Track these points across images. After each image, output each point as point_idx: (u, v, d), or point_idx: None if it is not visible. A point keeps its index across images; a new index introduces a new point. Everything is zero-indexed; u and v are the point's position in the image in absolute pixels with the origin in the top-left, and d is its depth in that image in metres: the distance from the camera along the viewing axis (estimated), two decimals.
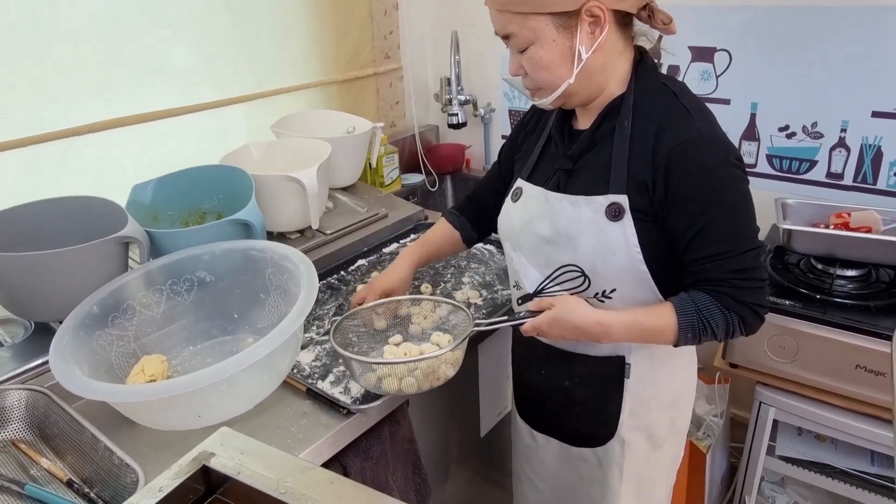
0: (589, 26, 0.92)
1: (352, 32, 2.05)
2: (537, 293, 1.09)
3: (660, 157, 0.93)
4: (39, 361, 1.10)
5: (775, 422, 1.52)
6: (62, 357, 0.95)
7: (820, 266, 1.49)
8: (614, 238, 0.97)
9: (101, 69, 1.48)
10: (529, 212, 1.07)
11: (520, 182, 1.11)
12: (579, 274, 1.02)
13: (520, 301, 1.14)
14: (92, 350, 1.05)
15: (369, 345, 1.19)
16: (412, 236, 1.73)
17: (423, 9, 2.22)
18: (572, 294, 1.04)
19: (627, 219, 0.96)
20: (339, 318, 1.17)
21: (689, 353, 1.16)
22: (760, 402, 1.51)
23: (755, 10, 1.63)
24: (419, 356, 1.05)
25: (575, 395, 1.15)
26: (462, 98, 2.12)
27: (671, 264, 0.99)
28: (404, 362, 1.06)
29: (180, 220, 1.45)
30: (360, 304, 1.20)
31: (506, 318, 1.12)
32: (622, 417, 1.12)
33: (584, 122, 1.05)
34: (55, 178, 1.46)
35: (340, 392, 1.12)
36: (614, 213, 0.96)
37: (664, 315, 0.97)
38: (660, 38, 1.03)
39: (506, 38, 0.98)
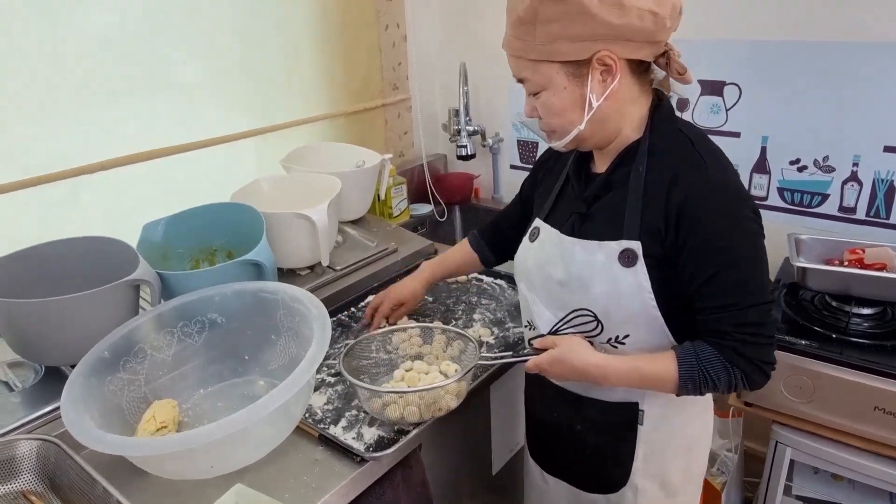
0: (601, 75, 0.92)
1: (361, 64, 2.06)
2: (553, 334, 1.08)
3: (672, 204, 0.93)
4: (50, 408, 1.08)
5: (791, 461, 1.49)
6: (73, 407, 0.94)
7: (835, 303, 1.48)
8: (627, 284, 0.96)
9: (110, 107, 1.49)
10: (545, 254, 1.07)
11: (537, 222, 1.12)
12: (592, 318, 1.02)
13: (531, 341, 1.14)
14: (103, 396, 1.04)
15: (381, 369, 1.23)
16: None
17: (432, 40, 2.23)
18: (586, 338, 1.04)
19: (640, 265, 0.95)
20: (351, 341, 1.23)
21: (706, 399, 1.14)
22: (777, 442, 1.48)
23: (765, 44, 1.63)
24: (418, 387, 1.09)
25: (586, 439, 1.13)
26: (470, 129, 2.12)
27: (685, 309, 0.98)
28: (403, 392, 1.08)
29: (191, 258, 1.45)
30: (375, 311, 1.37)
31: (510, 353, 1.14)
32: (635, 464, 1.10)
33: (600, 165, 1.05)
34: (66, 216, 1.46)
35: (353, 438, 1.11)
36: (627, 259, 0.96)
37: (665, 364, 0.96)
38: (666, 75, 1.02)
39: (520, 81, 0.99)
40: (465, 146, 2.11)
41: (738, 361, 0.93)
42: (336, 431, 1.12)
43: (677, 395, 0.97)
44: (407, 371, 1.21)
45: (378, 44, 2.09)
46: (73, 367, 1.04)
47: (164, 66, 1.57)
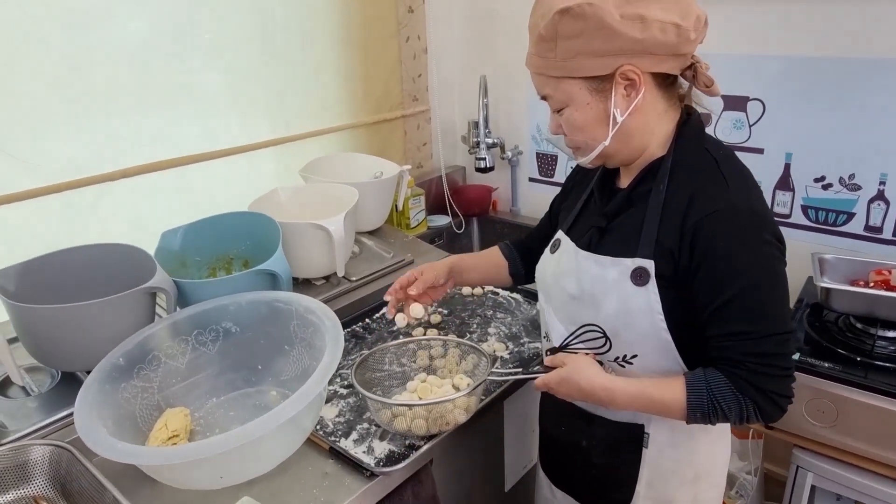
0: (624, 89, 0.90)
1: (381, 75, 2.07)
2: (562, 348, 1.07)
3: (688, 224, 0.90)
4: (64, 413, 1.09)
5: (813, 486, 1.45)
6: (87, 413, 0.95)
7: (860, 325, 1.44)
8: (637, 303, 0.94)
9: (134, 116, 1.51)
10: (561, 266, 1.07)
11: (559, 234, 1.11)
12: (601, 335, 1.00)
13: (548, 353, 1.13)
14: (117, 403, 1.05)
15: (394, 381, 1.24)
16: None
17: (452, 52, 2.24)
18: (595, 354, 1.02)
19: (652, 284, 0.93)
20: (365, 352, 1.24)
21: (719, 428, 1.09)
22: (798, 467, 1.44)
23: (789, 59, 1.61)
24: (425, 400, 1.09)
25: (592, 456, 1.12)
26: (489, 141, 2.12)
27: (697, 334, 0.94)
28: (410, 405, 1.09)
29: (208, 267, 1.46)
30: (404, 285, 1.26)
31: (520, 369, 1.16)
32: (638, 487, 1.08)
33: (625, 181, 1.04)
34: (88, 222, 1.49)
35: (364, 452, 1.10)
36: (639, 277, 0.94)
37: (674, 390, 0.93)
38: (690, 86, 1.01)
39: (543, 98, 0.98)
40: (484, 158, 2.11)
41: (750, 392, 0.89)
42: (347, 445, 1.11)
43: (687, 422, 0.94)
44: (422, 382, 1.21)
45: (399, 55, 2.10)
46: (88, 372, 1.05)
47: (188, 76, 1.59)
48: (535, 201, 2.27)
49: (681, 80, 0.97)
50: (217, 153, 1.68)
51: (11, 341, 1.16)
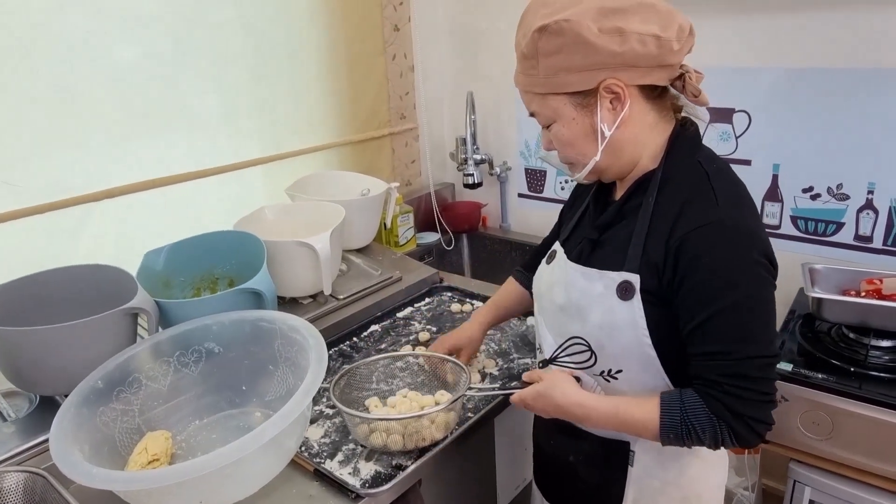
0: (610, 103, 0.90)
1: (368, 93, 2.07)
2: (551, 360, 1.06)
3: (674, 240, 0.88)
4: (41, 439, 1.07)
5: (811, 501, 1.43)
6: (62, 438, 0.92)
7: (853, 335, 1.43)
8: (622, 317, 0.93)
9: (119, 136, 1.50)
10: (553, 277, 1.06)
11: (556, 245, 1.11)
12: (586, 348, 0.99)
13: (540, 365, 1.11)
14: (95, 427, 1.02)
15: (381, 396, 1.23)
16: (427, 300, 1.69)
17: (439, 69, 2.24)
18: (579, 368, 1.01)
19: (637, 299, 0.92)
20: (347, 366, 1.24)
21: (711, 451, 1.04)
22: (795, 481, 1.42)
23: (774, 71, 1.62)
24: (398, 415, 1.10)
25: (579, 471, 1.10)
26: (478, 157, 2.11)
27: (683, 351, 0.92)
28: (383, 419, 1.10)
29: (192, 286, 1.44)
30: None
31: (497, 386, 1.18)
32: None
33: (618, 193, 1.03)
34: (73, 243, 1.46)
35: (350, 473, 1.07)
36: (624, 291, 0.92)
37: (648, 410, 0.91)
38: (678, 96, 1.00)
39: (532, 115, 0.98)
40: (472, 174, 2.10)
41: (724, 416, 0.86)
42: (332, 466, 1.09)
43: (662, 444, 0.92)
44: (402, 397, 1.20)
45: (386, 73, 2.10)
46: (67, 396, 1.02)
47: (176, 97, 1.58)
48: (525, 217, 2.26)
49: (674, 90, 0.96)
50: (204, 172, 1.67)
51: None
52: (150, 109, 1.54)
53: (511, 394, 1.05)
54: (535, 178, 2.19)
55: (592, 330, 0.96)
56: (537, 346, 1.14)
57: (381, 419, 1.09)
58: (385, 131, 2.14)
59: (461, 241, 2.26)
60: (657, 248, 0.90)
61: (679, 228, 0.88)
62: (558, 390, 0.98)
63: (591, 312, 0.96)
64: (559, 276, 1.04)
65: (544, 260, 1.13)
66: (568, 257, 1.04)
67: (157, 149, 1.57)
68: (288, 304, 1.52)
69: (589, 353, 0.98)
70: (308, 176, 1.82)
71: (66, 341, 1.08)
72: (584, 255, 1.01)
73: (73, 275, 1.25)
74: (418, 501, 1.17)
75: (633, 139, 0.94)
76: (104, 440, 1.03)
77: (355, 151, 2.08)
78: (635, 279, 0.91)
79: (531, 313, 1.19)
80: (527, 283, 1.30)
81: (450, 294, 1.73)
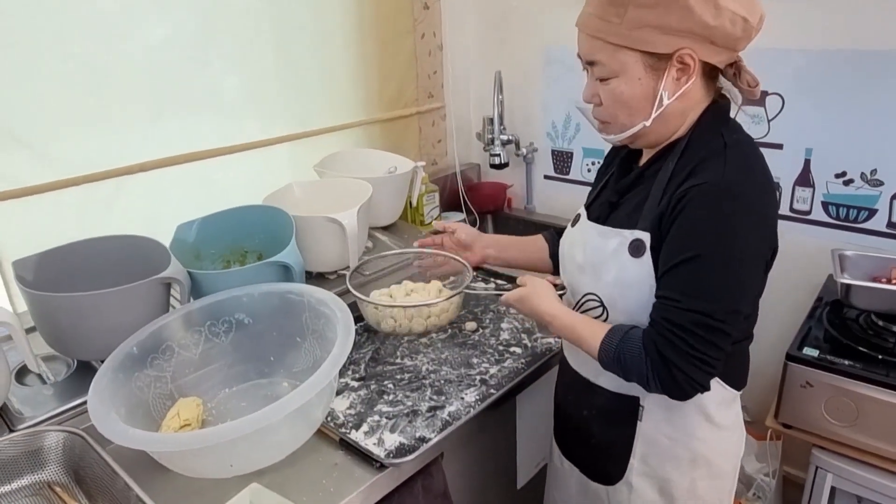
0: (677, 72, 0.90)
1: (396, 72, 2.07)
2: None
3: (676, 196, 0.90)
4: (79, 401, 1.11)
5: (833, 488, 1.42)
6: (100, 401, 0.96)
7: (881, 323, 1.41)
8: (634, 274, 0.95)
9: (152, 113, 1.53)
10: (574, 237, 1.10)
11: (581, 208, 1.13)
12: (599, 304, 1.02)
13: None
14: (130, 392, 1.06)
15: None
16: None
17: (467, 49, 2.23)
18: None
19: (647, 257, 0.94)
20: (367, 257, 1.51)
21: (722, 415, 1.06)
22: (817, 467, 1.42)
23: (808, 53, 1.58)
24: (400, 303, 1.32)
25: (591, 426, 1.13)
26: (504, 138, 2.11)
27: None
28: (391, 306, 1.31)
29: (222, 259, 1.47)
30: (431, 244, 1.43)
31: (493, 285, 1.38)
32: (632, 461, 1.08)
33: (643, 160, 1.05)
34: (107, 215, 1.50)
35: (374, 444, 1.09)
36: (636, 249, 0.95)
37: (596, 332, 0.97)
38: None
39: (590, 63, 0.96)
40: (499, 155, 2.10)
41: (653, 355, 0.90)
42: (357, 436, 1.11)
43: (602, 366, 0.98)
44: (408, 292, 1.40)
45: (414, 52, 2.10)
46: (103, 361, 1.06)
47: (206, 74, 1.60)
48: (551, 199, 2.25)
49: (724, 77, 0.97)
50: (233, 148, 1.70)
51: (29, 331, 1.17)
52: (180, 88, 1.56)
53: (500, 294, 1.15)
54: (562, 160, 2.18)
55: (606, 287, 1.00)
56: None
57: (388, 305, 1.31)
58: (412, 110, 2.15)
59: (486, 222, 2.26)
60: (664, 206, 0.92)
61: (683, 187, 0.90)
62: (536, 297, 1.07)
63: (606, 270, 0.99)
64: (579, 236, 1.08)
65: (570, 223, 1.16)
66: (588, 218, 1.07)
67: (186, 126, 1.59)
68: (315, 279, 1.54)
69: (601, 309, 1.02)
70: (335, 153, 1.83)
71: (103, 308, 1.11)
72: (603, 215, 1.04)
73: (109, 245, 1.28)
74: (440, 475, 1.20)
75: (681, 112, 0.95)
76: (138, 404, 1.06)
77: (382, 130, 2.09)
78: (646, 237, 0.94)
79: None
80: (551, 240, 1.34)
81: (474, 273, 1.73)
